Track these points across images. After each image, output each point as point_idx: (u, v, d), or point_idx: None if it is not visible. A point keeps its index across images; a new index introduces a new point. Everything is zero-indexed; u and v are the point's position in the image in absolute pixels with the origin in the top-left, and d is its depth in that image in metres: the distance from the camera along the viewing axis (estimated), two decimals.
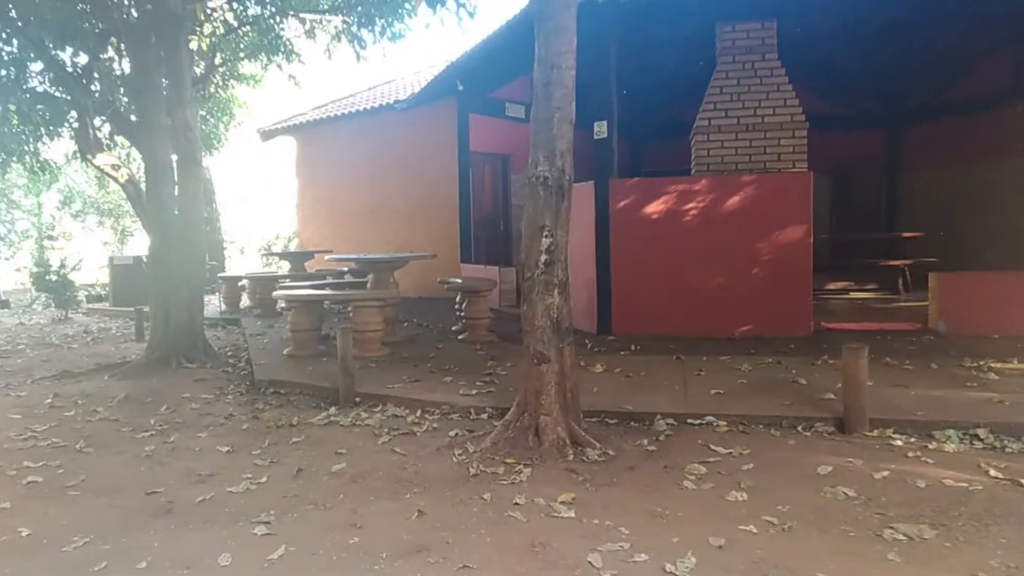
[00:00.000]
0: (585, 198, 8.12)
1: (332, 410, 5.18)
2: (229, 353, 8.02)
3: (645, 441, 4.26)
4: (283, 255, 13.25)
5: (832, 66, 12.32)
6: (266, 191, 23.35)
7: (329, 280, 9.25)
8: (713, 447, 4.10)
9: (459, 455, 4.10)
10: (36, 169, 12.09)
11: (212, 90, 13.49)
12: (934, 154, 11.94)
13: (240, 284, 12.00)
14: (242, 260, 19.89)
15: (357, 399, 5.42)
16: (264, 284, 11.17)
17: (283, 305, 8.14)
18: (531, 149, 4.29)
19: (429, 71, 15.27)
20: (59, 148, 13.97)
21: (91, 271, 20.45)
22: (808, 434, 4.30)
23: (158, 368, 6.88)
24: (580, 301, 8.28)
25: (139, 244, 21.10)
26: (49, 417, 5.41)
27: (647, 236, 7.72)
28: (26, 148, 11.33)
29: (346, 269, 12.02)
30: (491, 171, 13.30)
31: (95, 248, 21.53)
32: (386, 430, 4.62)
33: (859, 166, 12.99)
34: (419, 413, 4.98)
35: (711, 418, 4.56)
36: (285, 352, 7.24)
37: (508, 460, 3.98)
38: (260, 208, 22.80)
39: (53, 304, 13.03)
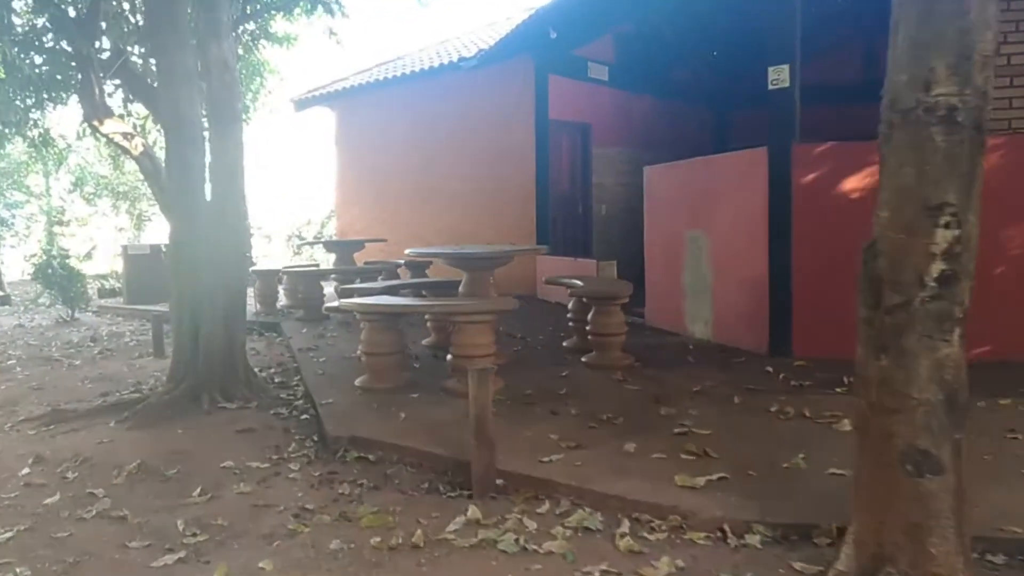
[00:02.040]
0: (748, 169, 6.07)
1: (471, 511, 3.16)
2: (276, 378, 6.05)
3: None
4: (329, 244, 11.28)
5: None
6: (296, 170, 21.39)
7: (400, 279, 7.23)
8: None
9: None
10: (38, 143, 10.20)
11: (240, 51, 11.49)
12: None
13: (279, 279, 10.07)
14: (269, 249, 17.94)
15: (499, 481, 3.42)
16: (308, 280, 9.20)
17: (331, 306, 6.19)
18: (902, 55, 2.21)
19: (489, 30, 13.19)
20: (69, 123, 12.08)
21: (105, 260, 18.65)
22: None
23: (184, 408, 4.92)
24: (739, 309, 6.24)
25: (157, 230, 19.27)
26: (19, 510, 3.45)
27: (845, 222, 5.62)
28: (28, 118, 9.44)
29: (402, 262, 10.09)
30: (569, 143, 11.21)
31: (110, 234, 19.73)
32: (596, 573, 2.60)
33: None
34: (627, 525, 2.95)
35: None
36: (358, 383, 5.25)
37: None
38: (289, 189, 20.84)
39: (59, 300, 11.15)
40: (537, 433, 4.00)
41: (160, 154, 9.20)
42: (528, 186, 10.56)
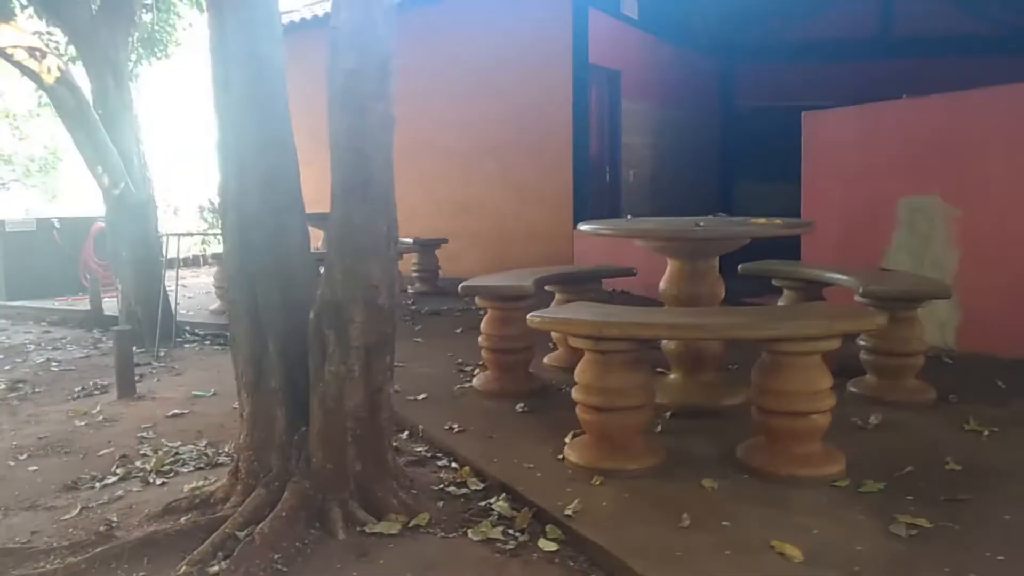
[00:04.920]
0: None
1: None
2: None
3: None
4: (316, 217, 8.51)
5: None
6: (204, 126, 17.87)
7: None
8: None
9: None
10: None
11: None
12: None
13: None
14: (179, 224, 14.50)
15: None
16: None
17: (536, 318, 3.80)
18: None
19: None
20: None
21: None
22: None
23: (297, 541, 2.48)
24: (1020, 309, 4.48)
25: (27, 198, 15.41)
26: None
27: None
28: None
29: (411, 240, 7.80)
30: (597, 94, 9.11)
31: None
32: None
33: None
34: None
35: None
36: (579, 459, 2.98)
37: None
38: (195, 151, 17.25)
39: None
40: None
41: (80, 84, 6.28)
42: (562, 145, 8.42)
